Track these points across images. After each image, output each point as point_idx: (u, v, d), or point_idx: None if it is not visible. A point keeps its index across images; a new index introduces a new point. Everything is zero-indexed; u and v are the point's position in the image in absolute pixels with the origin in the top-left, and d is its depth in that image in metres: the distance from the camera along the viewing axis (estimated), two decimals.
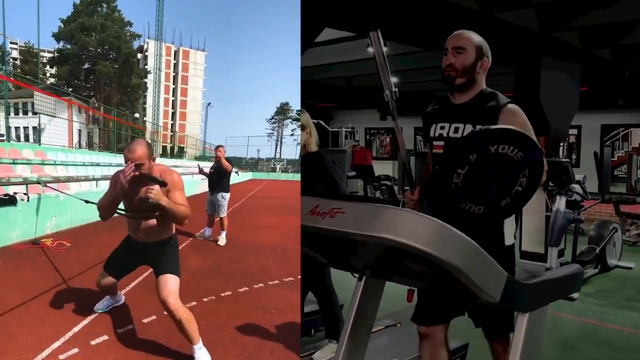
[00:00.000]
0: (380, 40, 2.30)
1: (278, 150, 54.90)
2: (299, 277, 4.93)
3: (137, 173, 2.73)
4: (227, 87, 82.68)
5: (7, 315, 3.36)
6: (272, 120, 56.49)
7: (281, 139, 55.39)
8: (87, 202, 4.76)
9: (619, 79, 9.11)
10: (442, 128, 2.21)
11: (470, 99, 2.16)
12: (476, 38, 2.15)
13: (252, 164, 43.66)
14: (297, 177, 41.89)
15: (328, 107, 15.85)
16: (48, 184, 7.13)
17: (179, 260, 3.00)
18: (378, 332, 3.58)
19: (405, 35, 6.67)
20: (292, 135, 54.39)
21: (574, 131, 12.06)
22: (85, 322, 3.31)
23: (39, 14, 31.96)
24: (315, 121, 3.95)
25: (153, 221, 2.92)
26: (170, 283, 2.77)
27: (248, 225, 8.55)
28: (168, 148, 39.70)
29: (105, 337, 3.10)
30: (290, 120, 55.32)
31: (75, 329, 3.19)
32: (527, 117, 2.09)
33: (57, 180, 8.29)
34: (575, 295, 4.73)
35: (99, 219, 3.00)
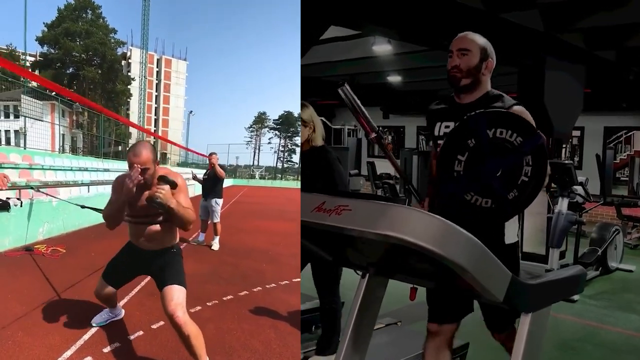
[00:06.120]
0: (351, 93, 2.33)
1: (256, 157, 56.48)
2: (295, 280, 4.95)
3: (142, 180, 2.57)
4: (208, 96, 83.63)
5: (13, 325, 3.27)
6: (250, 129, 58.27)
7: (259, 147, 57.15)
8: (82, 207, 4.53)
9: (623, 82, 9.08)
10: (447, 127, 2.21)
11: (476, 100, 2.16)
12: (480, 40, 2.17)
13: (231, 171, 44.47)
14: (276, 183, 42.95)
15: (330, 104, 15.79)
16: (40, 190, 6.82)
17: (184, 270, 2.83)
18: (378, 330, 3.60)
19: (410, 34, 6.67)
20: (269, 143, 56.93)
21: (576, 133, 12.01)
22: (93, 330, 3.25)
23: (25, 18, 32.12)
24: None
25: (157, 227, 2.74)
26: (177, 295, 2.56)
27: (238, 230, 8.63)
28: None
29: (118, 344, 3.05)
30: (267, 129, 57.48)
31: (86, 337, 3.12)
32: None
33: (50, 185, 8.10)
34: (575, 297, 4.73)
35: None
